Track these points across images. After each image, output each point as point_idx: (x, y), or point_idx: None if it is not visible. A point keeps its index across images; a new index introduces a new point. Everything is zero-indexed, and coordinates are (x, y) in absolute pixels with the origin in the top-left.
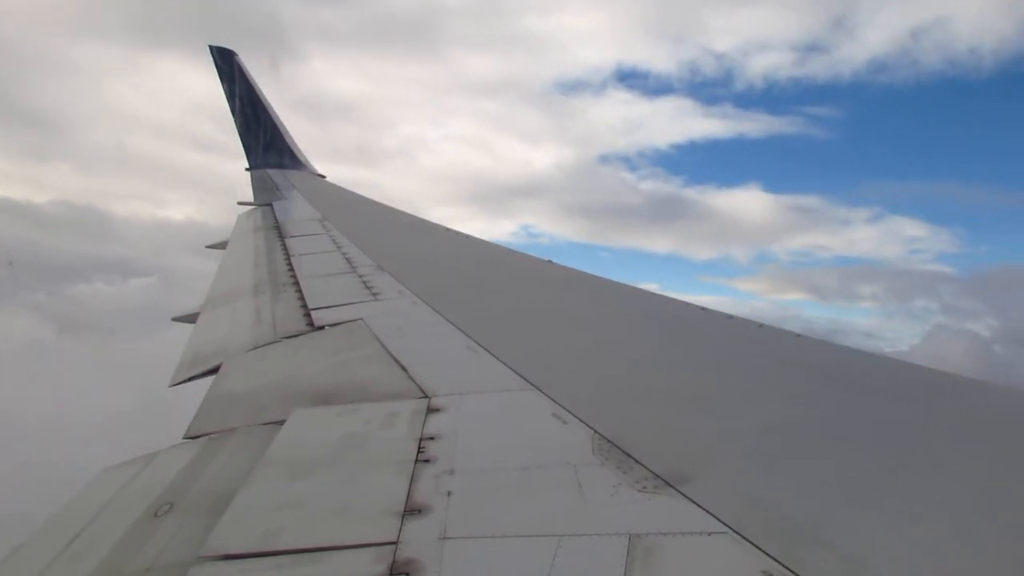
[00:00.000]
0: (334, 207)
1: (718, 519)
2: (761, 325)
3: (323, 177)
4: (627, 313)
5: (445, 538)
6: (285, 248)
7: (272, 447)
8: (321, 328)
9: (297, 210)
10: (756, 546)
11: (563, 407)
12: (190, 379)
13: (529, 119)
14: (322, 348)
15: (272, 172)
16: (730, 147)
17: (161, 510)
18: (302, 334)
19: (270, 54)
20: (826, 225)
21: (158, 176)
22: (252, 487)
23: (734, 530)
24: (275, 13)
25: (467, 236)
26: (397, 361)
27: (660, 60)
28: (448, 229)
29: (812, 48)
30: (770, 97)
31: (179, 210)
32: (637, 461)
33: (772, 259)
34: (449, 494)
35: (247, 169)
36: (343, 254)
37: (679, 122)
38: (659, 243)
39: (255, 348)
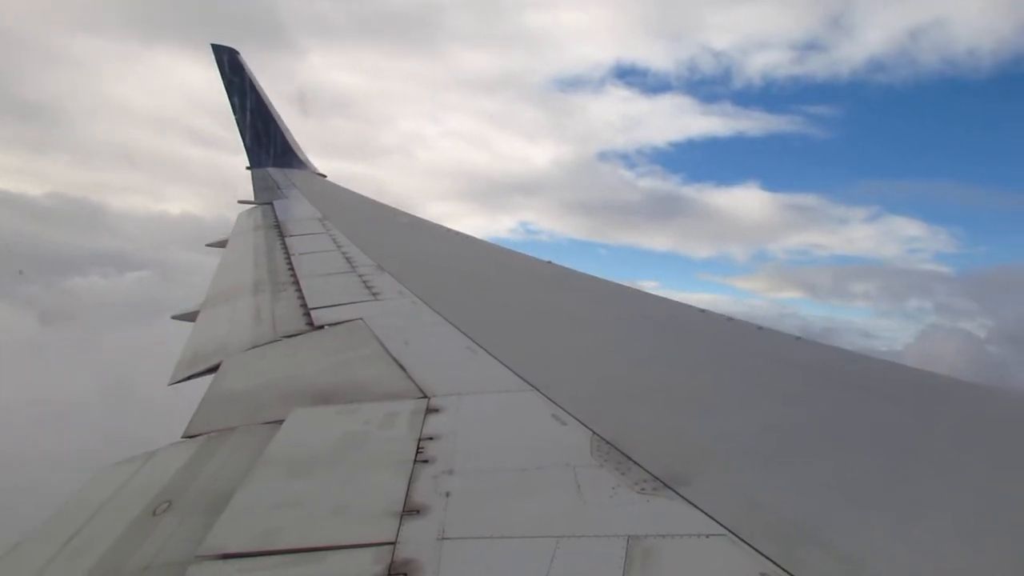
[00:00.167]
0: (334, 206)
1: (716, 521)
2: (760, 327)
3: (324, 176)
4: (626, 314)
5: (443, 538)
6: (285, 247)
7: (271, 446)
8: (321, 327)
9: (297, 209)
10: (754, 548)
11: (562, 408)
12: (189, 378)
13: (527, 116)
14: (322, 347)
15: (273, 171)
16: (729, 145)
17: (160, 509)
18: (302, 333)
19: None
20: (824, 224)
21: (155, 170)
22: (251, 486)
23: (732, 532)
24: (272, 7)
25: (467, 236)
26: (396, 361)
27: (659, 57)
28: (448, 229)
29: (810, 47)
30: (769, 95)
31: (175, 204)
32: (636, 463)
33: (770, 257)
34: (448, 494)
35: (248, 168)
36: (343, 253)
37: (678, 120)
38: (658, 241)
39: (254, 347)
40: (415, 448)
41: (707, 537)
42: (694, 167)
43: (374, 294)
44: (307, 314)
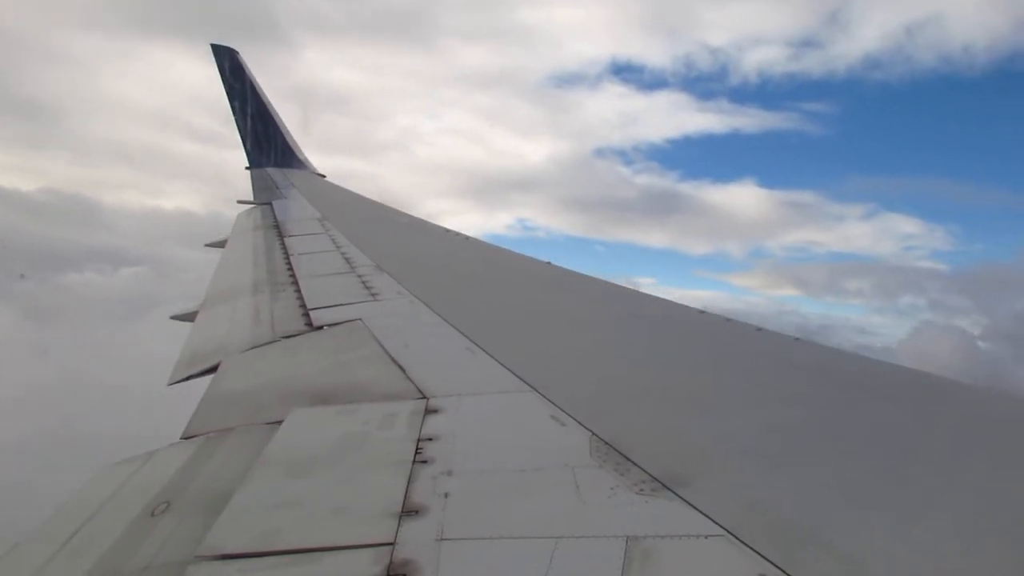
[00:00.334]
0: (334, 207)
1: (715, 522)
2: (759, 328)
3: (323, 176)
4: (625, 315)
5: (442, 539)
6: (284, 247)
7: (270, 447)
8: (320, 328)
9: (297, 209)
10: (753, 549)
11: (561, 409)
12: (188, 378)
13: (524, 112)
14: (321, 348)
15: (272, 171)
16: (725, 142)
17: (158, 509)
18: (301, 334)
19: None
20: (821, 221)
21: (150, 166)
22: (250, 487)
23: (731, 533)
24: (269, 4)
25: (466, 237)
26: (395, 362)
27: (655, 54)
28: (447, 230)
29: (806, 43)
30: (765, 92)
31: (170, 200)
32: (635, 463)
33: (767, 255)
34: (447, 495)
35: (247, 168)
36: (342, 254)
37: (674, 116)
38: (655, 237)
39: (254, 347)
40: (414, 449)
41: (706, 538)
42: (691, 164)
43: (373, 295)
44: (306, 314)
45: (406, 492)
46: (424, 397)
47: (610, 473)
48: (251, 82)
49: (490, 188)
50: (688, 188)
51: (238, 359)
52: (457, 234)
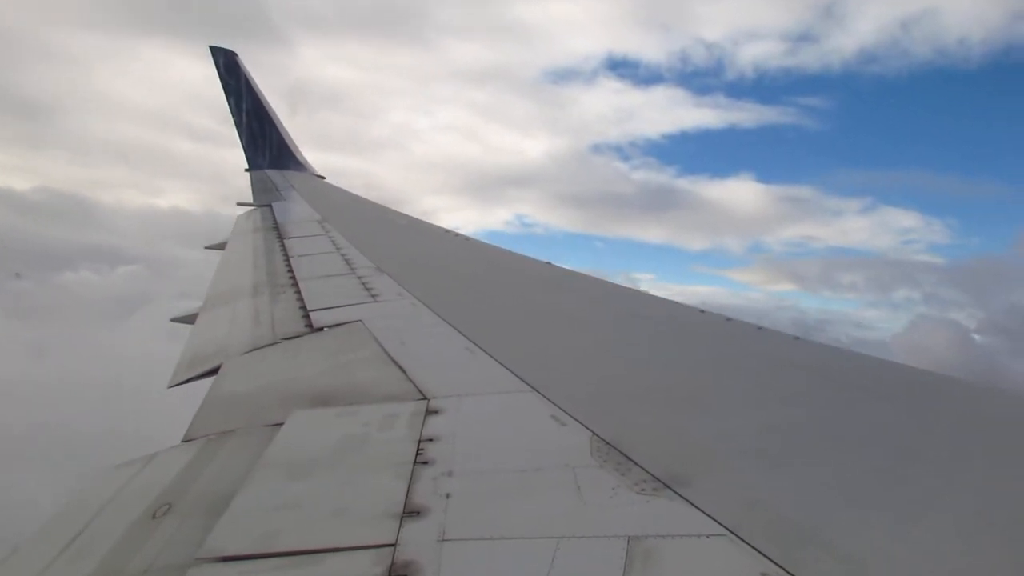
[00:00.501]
0: (333, 208)
1: (717, 521)
2: (759, 327)
3: (323, 178)
4: (625, 315)
5: (444, 540)
6: (284, 249)
7: (271, 448)
8: (320, 329)
9: (296, 211)
10: (755, 548)
11: (562, 409)
12: (188, 380)
13: (520, 108)
14: (321, 349)
15: (272, 173)
16: (722, 137)
17: (160, 511)
18: (301, 335)
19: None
20: (819, 216)
21: (148, 164)
22: (251, 488)
23: (733, 532)
24: (262, 2)
25: (466, 238)
26: (396, 363)
27: (650, 49)
28: (447, 231)
29: (802, 38)
30: (761, 87)
31: (166, 199)
32: (636, 463)
33: (765, 249)
34: (448, 496)
35: (247, 170)
36: (342, 255)
37: (670, 112)
38: (653, 233)
39: (254, 349)
40: (415, 450)
41: (707, 537)
42: (688, 159)
43: (373, 296)
44: (306, 316)
45: (407, 493)
46: (425, 398)
47: (611, 473)
48: (250, 84)
49: (487, 184)
50: (686, 184)
51: (239, 361)
52: (457, 235)
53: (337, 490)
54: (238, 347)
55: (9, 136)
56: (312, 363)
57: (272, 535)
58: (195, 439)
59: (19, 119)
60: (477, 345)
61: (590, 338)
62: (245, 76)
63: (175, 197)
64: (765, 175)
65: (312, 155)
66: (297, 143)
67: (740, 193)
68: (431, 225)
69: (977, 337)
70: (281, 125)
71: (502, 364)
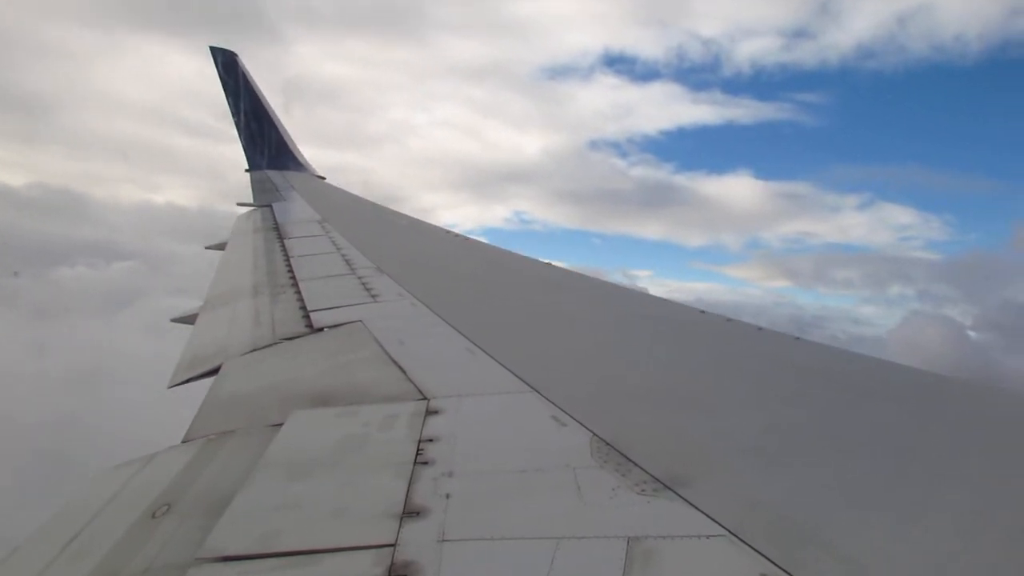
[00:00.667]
0: (334, 209)
1: (717, 522)
2: (760, 328)
3: (323, 178)
4: (626, 315)
5: (444, 540)
6: (284, 249)
7: (271, 448)
8: (320, 330)
9: (297, 211)
10: (755, 549)
11: (562, 409)
12: (188, 380)
13: (517, 104)
14: (321, 350)
15: (272, 173)
16: (719, 133)
17: (159, 511)
18: (301, 336)
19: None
20: (816, 212)
21: (145, 160)
22: (251, 488)
23: (733, 533)
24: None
25: (466, 238)
26: (396, 363)
27: (647, 45)
28: (447, 231)
29: (799, 34)
30: (758, 83)
31: (164, 194)
32: (636, 464)
33: (763, 245)
34: (448, 496)
35: (247, 170)
36: (342, 256)
37: (668, 108)
38: (651, 229)
39: (254, 350)
40: (415, 450)
41: (707, 538)
42: (685, 155)
43: (373, 296)
44: (306, 316)
45: (407, 493)
46: (425, 398)
47: (611, 473)
48: (250, 84)
49: (485, 181)
50: (683, 180)
51: (239, 361)
52: (457, 235)
53: (337, 490)
54: (238, 347)
55: (4, 131)
56: (312, 363)
57: (272, 535)
58: (195, 439)
59: (14, 115)
60: (477, 345)
61: (590, 339)
62: (245, 76)
63: (172, 193)
64: (762, 171)
65: (310, 151)
66: (295, 139)
67: (737, 189)
68: (431, 225)
69: (972, 334)
70: (281, 125)
71: (502, 364)
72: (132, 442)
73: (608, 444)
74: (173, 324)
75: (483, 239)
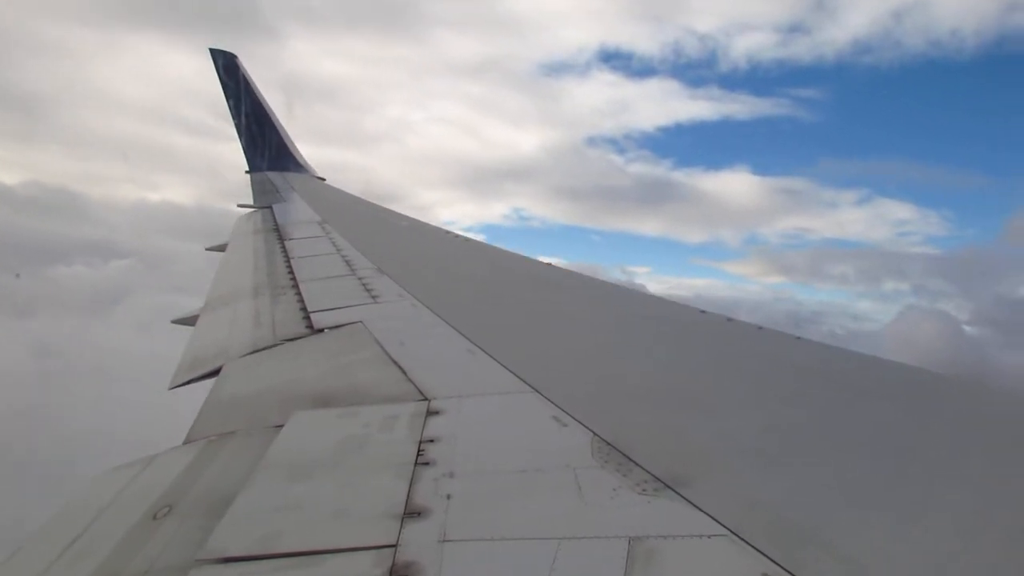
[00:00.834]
0: (334, 210)
1: (718, 522)
2: (760, 327)
3: (323, 180)
4: (626, 316)
5: (445, 541)
6: (285, 250)
7: (272, 449)
8: (321, 331)
9: (297, 213)
10: (756, 548)
11: (563, 410)
12: (189, 382)
13: (514, 101)
14: (322, 351)
15: (272, 175)
16: (717, 129)
17: (160, 513)
18: (302, 337)
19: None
20: (815, 208)
21: (141, 159)
22: (252, 490)
23: (734, 532)
24: None
25: (466, 239)
26: (397, 364)
27: (643, 41)
28: (448, 232)
29: (795, 29)
30: (755, 79)
31: (162, 193)
32: (637, 464)
33: (762, 241)
34: (449, 497)
35: (247, 172)
36: (343, 257)
37: (665, 104)
38: (649, 226)
39: (255, 351)
40: (416, 450)
41: (709, 538)
42: (683, 151)
43: (374, 297)
44: (307, 317)
45: (408, 494)
46: (425, 399)
47: (612, 473)
48: (250, 86)
49: (484, 178)
50: (681, 176)
51: (239, 363)
52: (457, 236)
53: (338, 491)
54: (239, 349)
55: (1, 130)
56: (313, 364)
57: (273, 536)
58: (196, 440)
59: (11, 113)
60: (478, 346)
61: (591, 339)
62: (245, 78)
63: (170, 192)
64: (760, 167)
65: (307, 150)
66: (294, 138)
67: (735, 185)
68: (431, 226)
69: (968, 329)
70: (281, 127)
71: (503, 365)
72: (132, 443)
73: (609, 444)
74: (168, 318)
75: (481, 236)
